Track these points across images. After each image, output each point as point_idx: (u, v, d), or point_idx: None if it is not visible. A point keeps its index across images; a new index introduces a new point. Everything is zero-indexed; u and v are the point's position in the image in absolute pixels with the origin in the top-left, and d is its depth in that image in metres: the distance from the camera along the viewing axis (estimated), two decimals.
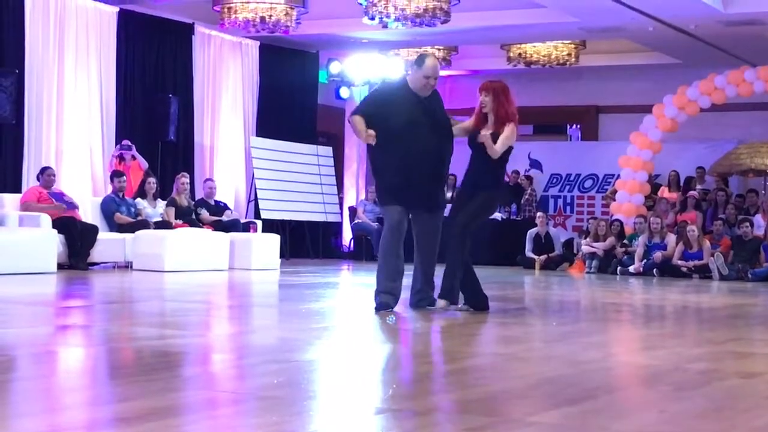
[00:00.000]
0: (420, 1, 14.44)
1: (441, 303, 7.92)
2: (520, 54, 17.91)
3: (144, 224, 13.36)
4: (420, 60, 7.97)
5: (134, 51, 15.55)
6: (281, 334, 6.67)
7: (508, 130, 7.87)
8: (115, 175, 13.80)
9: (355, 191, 19.81)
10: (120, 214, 13.51)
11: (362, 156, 20.07)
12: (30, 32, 13.96)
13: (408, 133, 7.81)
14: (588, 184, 19.74)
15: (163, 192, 14.68)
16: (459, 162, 8.26)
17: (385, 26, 15.14)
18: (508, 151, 7.98)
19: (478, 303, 8.00)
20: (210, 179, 15.62)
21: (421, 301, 8.03)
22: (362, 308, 8.06)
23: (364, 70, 18.92)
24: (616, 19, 15.49)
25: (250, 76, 17.65)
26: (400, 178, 7.87)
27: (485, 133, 7.80)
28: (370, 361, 5.54)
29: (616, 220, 16.51)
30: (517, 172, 19.43)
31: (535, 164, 20.00)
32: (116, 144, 14.84)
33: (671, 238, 15.49)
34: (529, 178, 19.33)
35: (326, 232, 18.82)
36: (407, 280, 8.06)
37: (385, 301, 7.86)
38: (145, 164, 14.71)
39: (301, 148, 17.89)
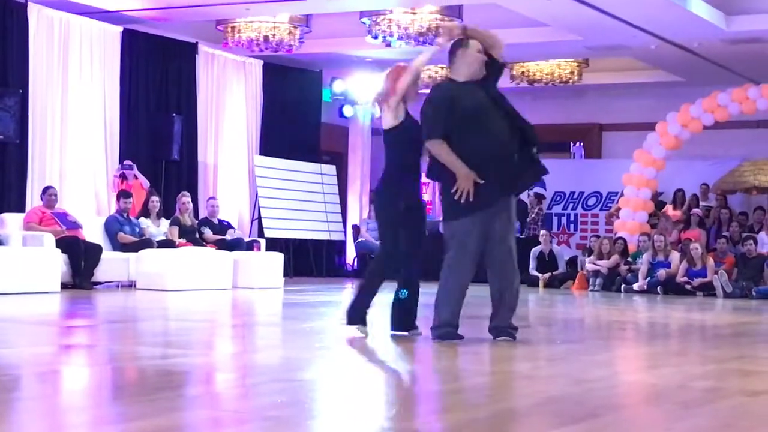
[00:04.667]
0: (423, 20, 14.50)
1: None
2: (523, 72, 17.94)
3: (147, 243, 13.36)
4: (459, 41, 7.16)
5: (138, 70, 15.58)
6: (285, 353, 6.66)
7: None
8: (122, 195, 13.81)
9: (358, 209, 19.82)
10: (123, 233, 13.51)
11: (365, 174, 20.09)
12: (34, 52, 14.00)
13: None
14: (591, 201, 19.74)
15: (167, 211, 14.69)
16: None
17: (388, 45, 15.20)
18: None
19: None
20: (213, 198, 15.62)
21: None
22: (366, 327, 8.02)
23: (367, 89, 18.95)
24: (619, 38, 15.52)
25: (254, 94, 17.68)
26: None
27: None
28: (373, 380, 5.53)
29: (620, 237, 16.49)
30: None
31: (539, 182, 19.99)
32: (119, 163, 14.86)
33: (675, 256, 15.48)
34: (538, 197, 19.24)
35: (330, 250, 18.82)
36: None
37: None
38: (146, 183, 14.74)
39: (304, 167, 17.91)
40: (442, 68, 18.42)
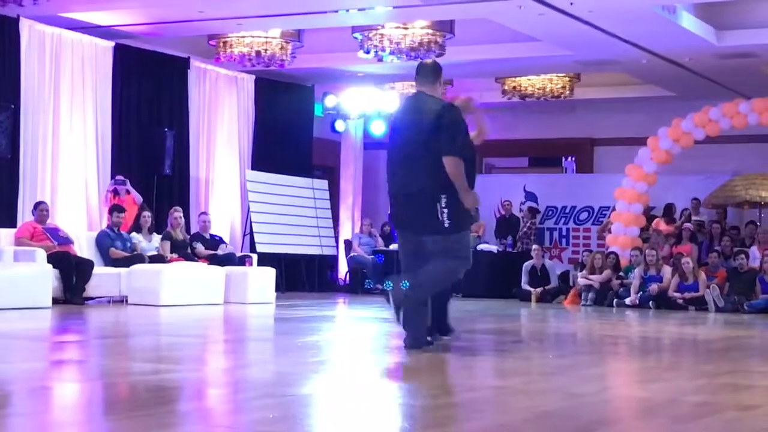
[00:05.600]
0: (415, 35, 14.52)
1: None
2: (514, 87, 17.97)
3: (139, 258, 13.34)
4: (439, 67, 7.64)
5: (130, 85, 15.58)
6: (277, 368, 6.65)
7: None
8: (115, 209, 13.79)
9: (350, 224, 19.82)
10: (115, 248, 13.49)
11: (357, 189, 20.09)
12: (26, 67, 13.99)
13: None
14: (583, 216, 19.76)
15: (159, 226, 14.68)
16: None
17: (380, 60, 15.22)
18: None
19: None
20: (204, 213, 15.61)
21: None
22: (358, 342, 8.03)
23: (359, 104, 18.98)
24: (610, 52, 15.57)
25: (246, 109, 17.68)
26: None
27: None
28: (366, 395, 5.52)
29: (612, 252, 16.50)
30: (509, 203, 19.32)
31: (531, 196, 20.02)
32: (111, 178, 14.85)
33: (667, 271, 15.48)
34: (532, 211, 19.25)
35: (322, 265, 18.81)
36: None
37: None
38: (139, 198, 14.72)
39: (296, 182, 17.92)
40: None
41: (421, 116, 7.39)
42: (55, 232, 12.90)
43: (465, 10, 13.81)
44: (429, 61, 7.94)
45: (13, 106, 13.62)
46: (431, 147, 7.26)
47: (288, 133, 18.24)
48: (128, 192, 14.65)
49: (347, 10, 13.77)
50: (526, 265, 17.12)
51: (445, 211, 7.22)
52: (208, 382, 5.97)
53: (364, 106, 19.00)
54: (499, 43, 15.85)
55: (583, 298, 15.96)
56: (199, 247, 14.68)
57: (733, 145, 18.65)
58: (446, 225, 7.23)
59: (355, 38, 14.92)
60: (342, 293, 17.99)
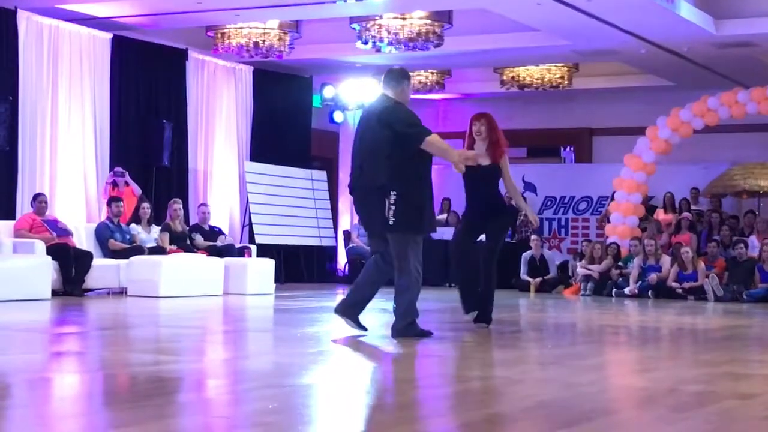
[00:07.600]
0: (413, 26, 14.51)
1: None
2: (513, 77, 17.95)
3: (138, 250, 13.34)
4: (404, 74, 7.79)
5: (128, 77, 15.56)
6: (276, 359, 6.66)
7: (506, 162, 8.58)
8: (113, 200, 13.80)
9: (349, 215, 19.81)
10: (114, 240, 13.49)
11: None
12: (24, 59, 13.97)
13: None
14: (582, 206, 19.75)
15: (158, 217, 14.67)
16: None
17: (378, 50, 15.21)
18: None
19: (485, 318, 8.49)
20: (204, 204, 15.60)
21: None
22: (357, 332, 8.02)
23: (357, 95, 18.96)
24: (608, 42, 15.55)
25: (244, 100, 17.66)
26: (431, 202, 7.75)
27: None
28: (365, 385, 5.52)
29: (613, 242, 16.50)
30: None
31: (530, 187, 20.01)
32: (110, 170, 14.84)
33: (666, 260, 15.49)
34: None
35: (321, 256, 18.81)
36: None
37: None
38: (138, 190, 14.71)
39: (295, 173, 17.90)
40: (432, 73, 18.48)
41: (372, 114, 7.60)
42: (54, 224, 12.90)
43: (463, 0, 13.79)
44: (396, 68, 7.98)
45: (11, 98, 13.60)
46: (378, 144, 7.39)
47: (286, 124, 18.22)
48: (127, 184, 14.64)
49: (345, 1, 13.75)
50: (525, 255, 17.12)
51: (393, 208, 7.30)
52: (207, 373, 5.97)
53: (363, 97, 18.98)
54: (497, 33, 15.84)
55: (582, 287, 15.97)
56: (198, 239, 14.68)
57: (732, 134, 18.64)
58: (390, 222, 7.34)
59: (353, 29, 14.91)
60: (341, 284, 17.98)
